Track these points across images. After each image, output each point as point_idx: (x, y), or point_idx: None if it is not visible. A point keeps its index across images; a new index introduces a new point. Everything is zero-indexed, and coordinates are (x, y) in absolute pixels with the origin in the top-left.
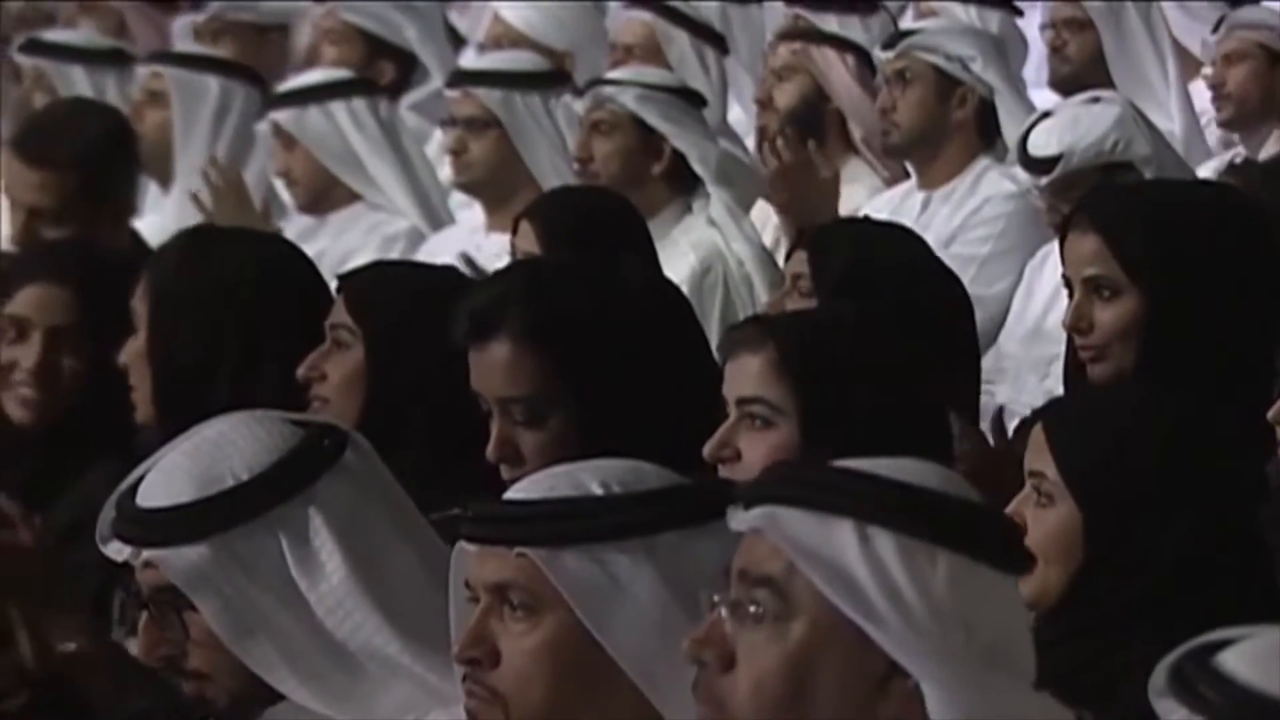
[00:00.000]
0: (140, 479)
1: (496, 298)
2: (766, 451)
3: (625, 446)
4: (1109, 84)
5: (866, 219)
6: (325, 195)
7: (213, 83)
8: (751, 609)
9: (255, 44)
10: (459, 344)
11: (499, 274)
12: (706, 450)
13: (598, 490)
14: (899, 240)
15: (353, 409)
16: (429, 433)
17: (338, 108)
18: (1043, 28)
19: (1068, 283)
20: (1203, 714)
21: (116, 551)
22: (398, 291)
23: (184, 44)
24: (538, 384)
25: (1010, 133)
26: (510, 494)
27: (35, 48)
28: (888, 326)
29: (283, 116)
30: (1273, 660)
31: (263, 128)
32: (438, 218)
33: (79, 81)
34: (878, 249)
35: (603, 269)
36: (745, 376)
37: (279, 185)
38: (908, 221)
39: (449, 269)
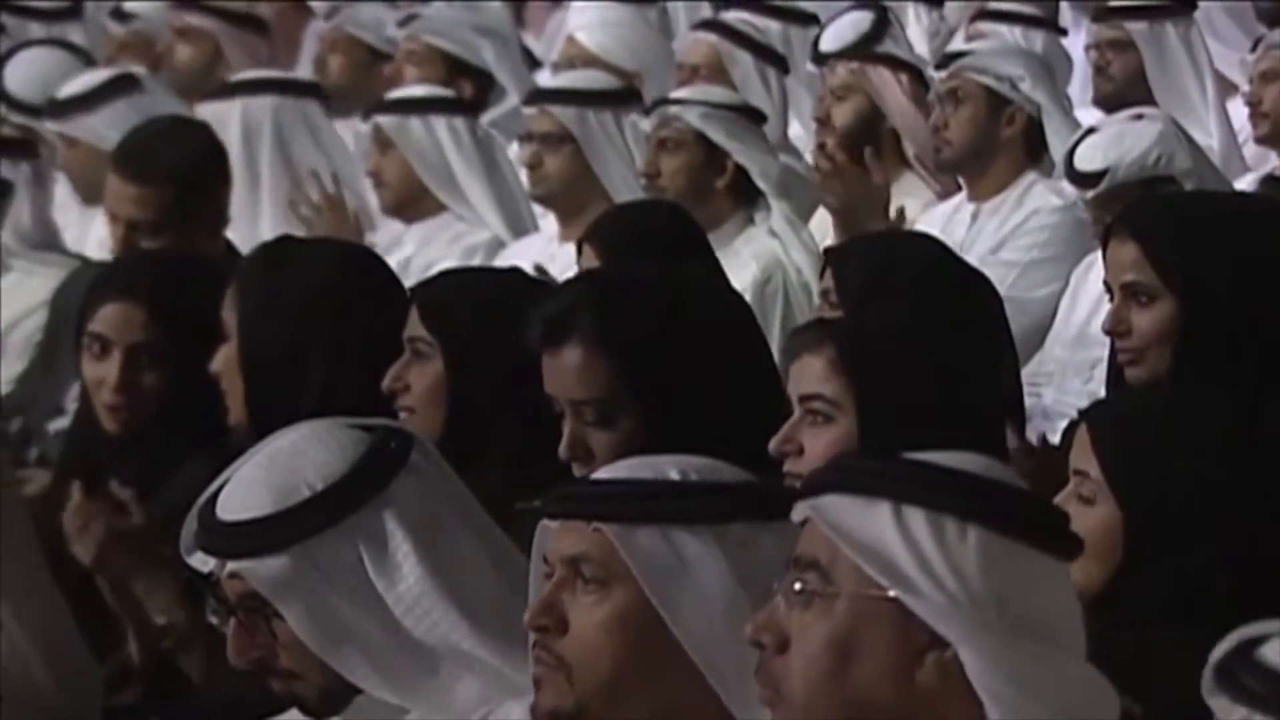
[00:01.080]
0: (219, 490)
1: (569, 305)
2: (826, 445)
3: (692, 447)
4: (1150, 102)
5: (887, 232)
6: (414, 202)
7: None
8: (801, 592)
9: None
10: (533, 349)
11: (571, 282)
12: (771, 445)
13: (675, 476)
14: (917, 248)
15: (437, 417)
16: (512, 437)
17: (439, 123)
18: (1087, 48)
19: (1109, 288)
20: (1257, 709)
21: (201, 562)
22: (469, 301)
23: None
24: (608, 387)
25: (1056, 148)
26: (595, 475)
27: None
28: (938, 327)
29: (386, 121)
30: None
31: (363, 129)
32: (524, 229)
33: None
34: (896, 258)
35: (670, 277)
36: (806, 375)
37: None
38: (959, 233)
39: (517, 273)
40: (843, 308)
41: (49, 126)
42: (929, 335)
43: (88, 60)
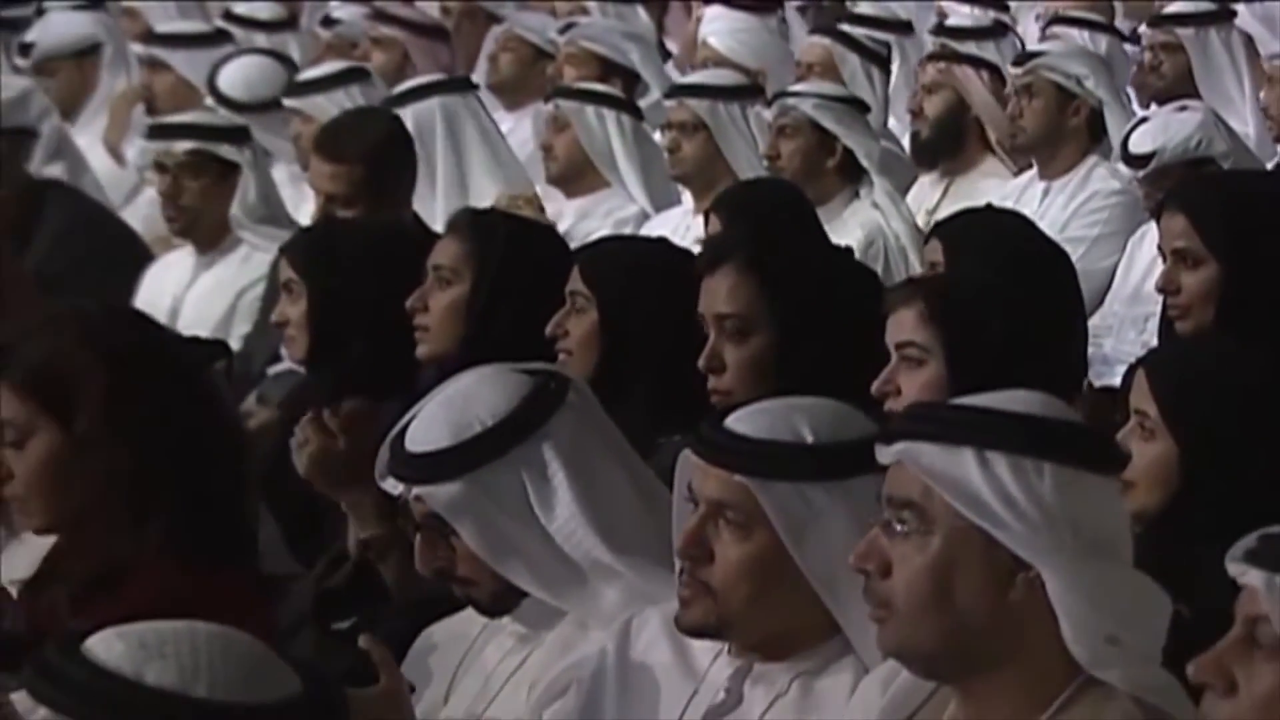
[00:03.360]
0: (408, 424)
1: (728, 238)
2: (919, 386)
3: (810, 374)
4: (1196, 95)
5: (988, 206)
6: (576, 177)
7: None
8: (899, 527)
9: None
10: (698, 273)
11: (730, 220)
12: (874, 388)
13: (809, 437)
14: (1010, 223)
15: (590, 361)
16: (655, 378)
17: (609, 115)
18: (1142, 49)
19: (1162, 253)
20: (1259, 568)
21: (392, 486)
22: (621, 262)
23: None
24: (749, 305)
25: (1114, 135)
26: (736, 425)
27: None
28: (1016, 283)
29: (568, 105)
30: None
31: (546, 108)
32: (666, 204)
33: None
34: (991, 231)
35: (809, 231)
36: (901, 325)
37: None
38: (1032, 206)
39: (662, 241)
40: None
41: (286, 103)
42: (1006, 290)
43: (292, 66)
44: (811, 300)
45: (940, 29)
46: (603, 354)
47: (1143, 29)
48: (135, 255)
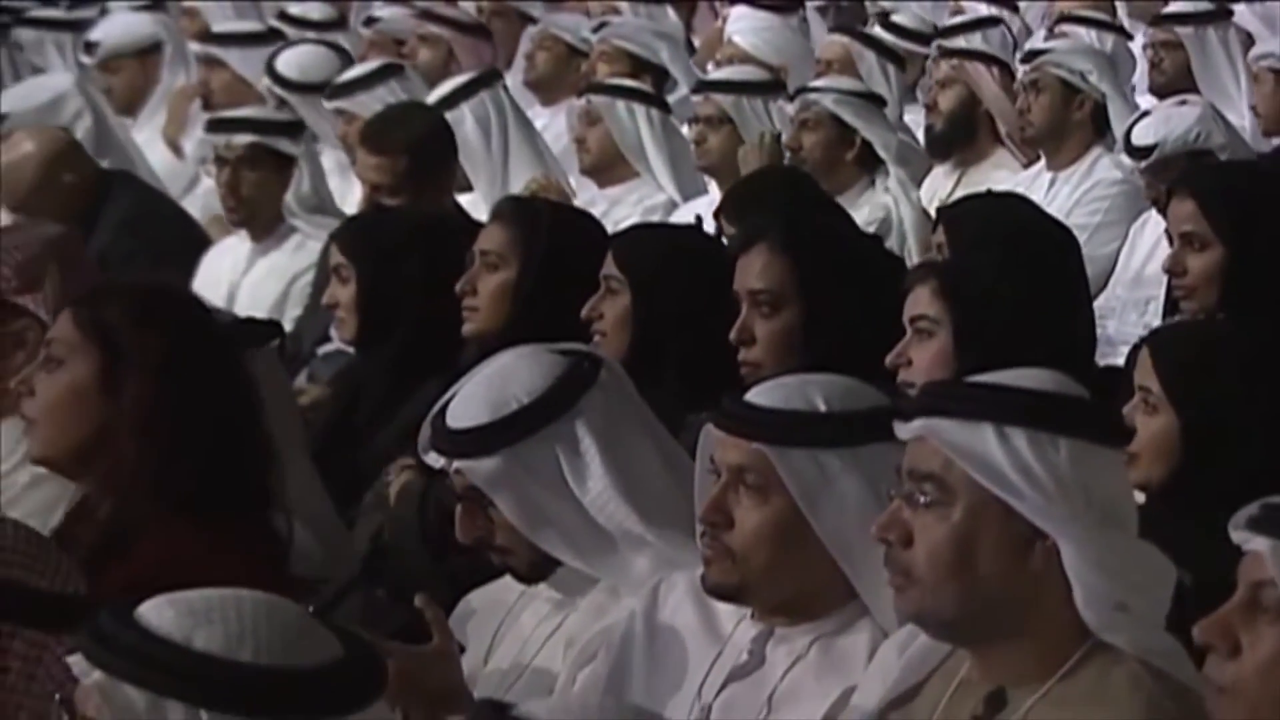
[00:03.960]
0: (449, 402)
1: (762, 219)
2: (930, 356)
3: (834, 348)
4: (1195, 91)
5: (988, 192)
6: (608, 168)
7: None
8: (921, 498)
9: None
10: (732, 254)
11: (762, 206)
12: (888, 359)
13: (822, 407)
14: (1013, 207)
15: (623, 342)
16: (685, 358)
17: (639, 109)
18: (1144, 47)
19: (1169, 236)
20: (1264, 535)
21: (434, 460)
22: (654, 248)
23: None
24: (781, 281)
25: (1118, 128)
26: (754, 397)
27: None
28: (1019, 261)
29: (600, 100)
30: None
31: (580, 103)
32: (694, 193)
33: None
34: (995, 215)
35: (834, 215)
36: (916, 301)
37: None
38: (1039, 194)
39: (695, 228)
40: (951, 255)
41: (327, 105)
42: (1011, 268)
43: (346, 58)
44: (838, 278)
45: (936, 29)
46: (635, 335)
47: (1144, 28)
48: (193, 242)
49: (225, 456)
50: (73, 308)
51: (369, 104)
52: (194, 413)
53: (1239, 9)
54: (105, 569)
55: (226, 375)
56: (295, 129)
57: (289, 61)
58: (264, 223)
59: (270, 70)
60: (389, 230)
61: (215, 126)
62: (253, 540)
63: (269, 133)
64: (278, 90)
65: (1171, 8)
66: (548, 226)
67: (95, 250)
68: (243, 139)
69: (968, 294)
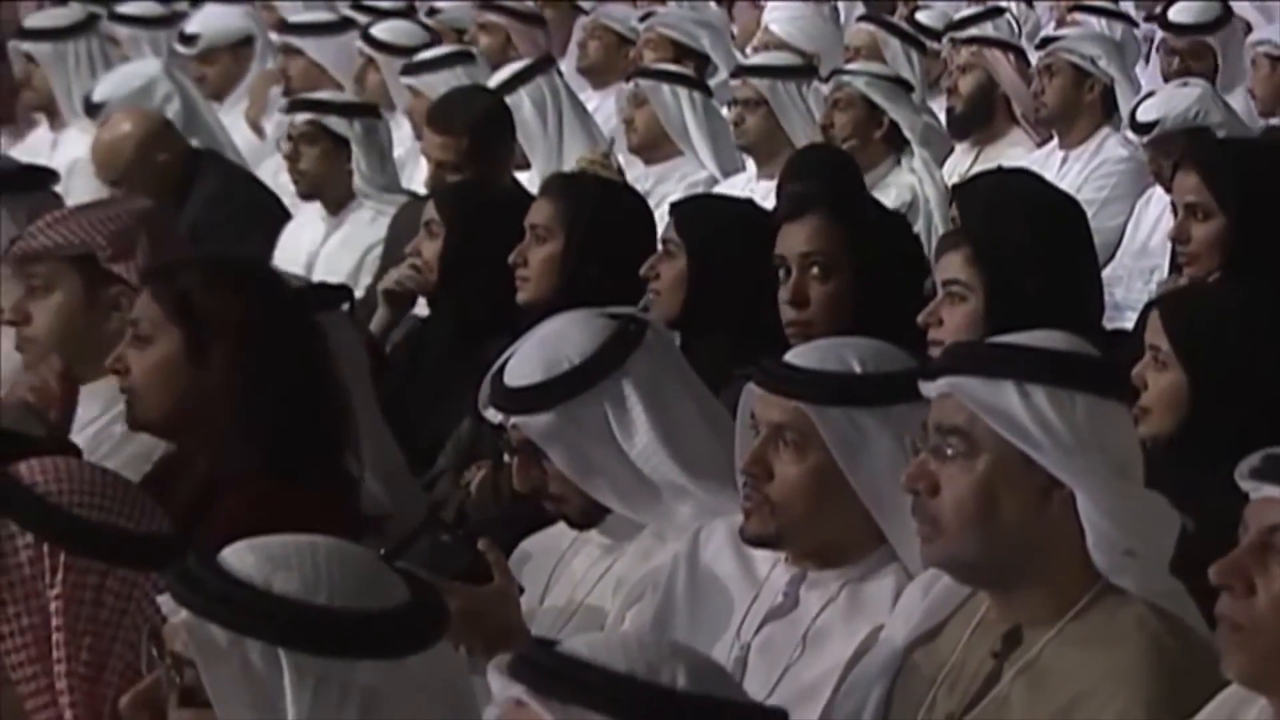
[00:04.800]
0: (507, 361)
1: (812, 188)
2: (960, 319)
3: (878, 311)
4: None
5: (999, 169)
6: (654, 146)
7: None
8: (948, 451)
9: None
10: (778, 220)
11: (811, 175)
12: (920, 319)
13: (857, 368)
14: (1026, 182)
15: (678, 301)
16: (736, 317)
17: (683, 92)
18: (1156, 47)
19: (1174, 207)
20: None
21: (493, 416)
22: (711, 216)
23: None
24: (834, 245)
25: (1125, 110)
26: (794, 358)
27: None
28: (1043, 232)
29: (647, 83)
30: None
31: (628, 86)
32: (733, 171)
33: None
34: (1009, 189)
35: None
36: (948, 266)
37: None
38: (1051, 172)
39: (749, 201)
40: (965, 227)
41: (401, 79)
42: (1037, 239)
43: (435, 38)
44: (884, 246)
45: (951, 24)
46: (689, 295)
47: (1158, 33)
48: (275, 216)
49: (305, 412)
50: (151, 285)
51: (436, 85)
52: (276, 373)
53: (1238, 6)
54: (198, 520)
55: (302, 336)
56: (349, 110)
57: (384, 27)
58: (335, 198)
59: (365, 35)
60: (480, 198)
61: (289, 107)
62: (329, 488)
63: (322, 111)
64: (367, 50)
65: (1181, 13)
66: (592, 202)
67: (187, 223)
68: (302, 118)
69: (1000, 261)
